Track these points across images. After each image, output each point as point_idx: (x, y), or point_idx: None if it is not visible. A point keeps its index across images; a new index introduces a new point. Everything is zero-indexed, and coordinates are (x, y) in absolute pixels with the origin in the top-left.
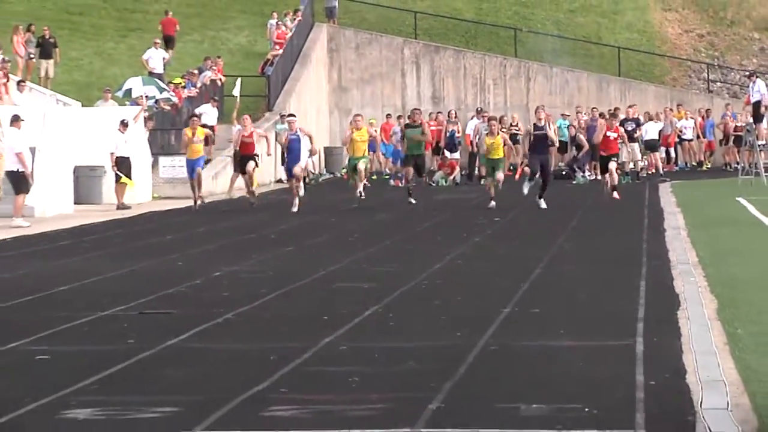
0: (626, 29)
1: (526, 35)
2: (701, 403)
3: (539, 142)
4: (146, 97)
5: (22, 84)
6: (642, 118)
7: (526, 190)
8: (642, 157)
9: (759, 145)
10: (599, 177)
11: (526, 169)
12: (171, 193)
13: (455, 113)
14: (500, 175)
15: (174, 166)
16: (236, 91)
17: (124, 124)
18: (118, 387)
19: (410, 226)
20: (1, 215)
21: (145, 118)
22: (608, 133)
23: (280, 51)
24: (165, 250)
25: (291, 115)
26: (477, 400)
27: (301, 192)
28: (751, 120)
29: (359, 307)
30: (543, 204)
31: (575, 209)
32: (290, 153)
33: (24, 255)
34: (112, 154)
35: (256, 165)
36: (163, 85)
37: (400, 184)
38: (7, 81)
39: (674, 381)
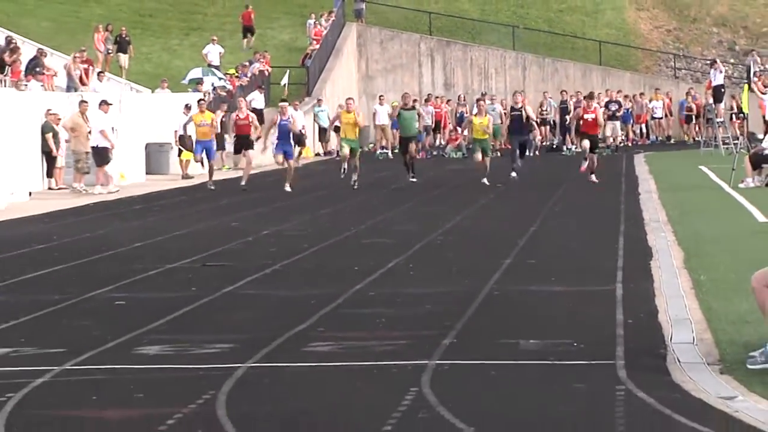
0: (606, 26)
1: (522, 31)
2: (671, 338)
3: (516, 123)
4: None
5: (102, 74)
6: (621, 100)
7: (515, 174)
8: (621, 132)
9: (717, 122)
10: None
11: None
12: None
13: (464, 97)
14: (484, 158)
15: (231, 142)
16: (284, 81)
17: (187, 107)
18: (184, 327)
19: (425, 192)
20: (88, 184)
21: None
22: (585, 116)
23: (317, 46)
24: (221, 213)
25: (283, 100)
26: (483, 336)
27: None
28: (711, 101)
29: (384, 259)
30: (514, 174)
31: (564, 177)
32: (281, 135)
33: (104, 217)
34: (175, 132)
35: (251, 147)
36: (220, 75)
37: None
38: (88, 70)
39: (648, 320)
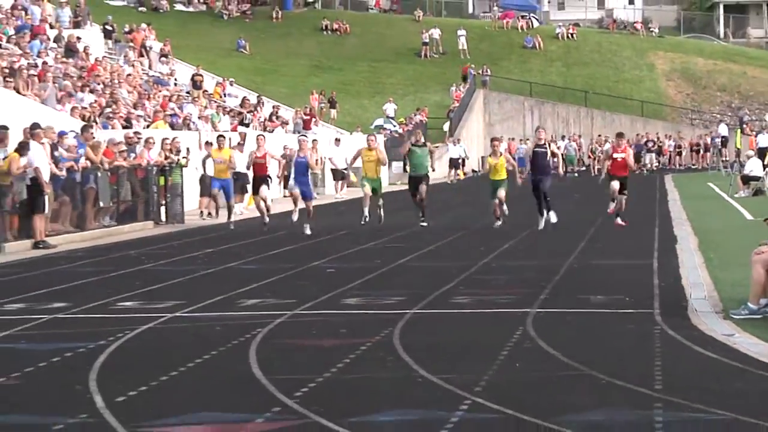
0: (646, 91)
1: (591, 95)
2: (690, 296)
3: (541, 159)
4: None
5: (315, 122)
6: (655, 140)
7: (554, 218)
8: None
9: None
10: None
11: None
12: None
13: (552, 136)
14: (502, 193)
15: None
16: (445, 127)
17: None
18: (372, 286)
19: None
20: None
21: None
22: (615, 155)
23: (457, 104)
24: (395, 211)
25: (303, 134)
26: (567, 293)
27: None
28: (718, 141)
29: (501, 243)
30: (554, 217)
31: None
32: (297, 173)
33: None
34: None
35: (268, 187)
36: (394, 123)
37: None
38: (309, 120)
39: (675, 283)
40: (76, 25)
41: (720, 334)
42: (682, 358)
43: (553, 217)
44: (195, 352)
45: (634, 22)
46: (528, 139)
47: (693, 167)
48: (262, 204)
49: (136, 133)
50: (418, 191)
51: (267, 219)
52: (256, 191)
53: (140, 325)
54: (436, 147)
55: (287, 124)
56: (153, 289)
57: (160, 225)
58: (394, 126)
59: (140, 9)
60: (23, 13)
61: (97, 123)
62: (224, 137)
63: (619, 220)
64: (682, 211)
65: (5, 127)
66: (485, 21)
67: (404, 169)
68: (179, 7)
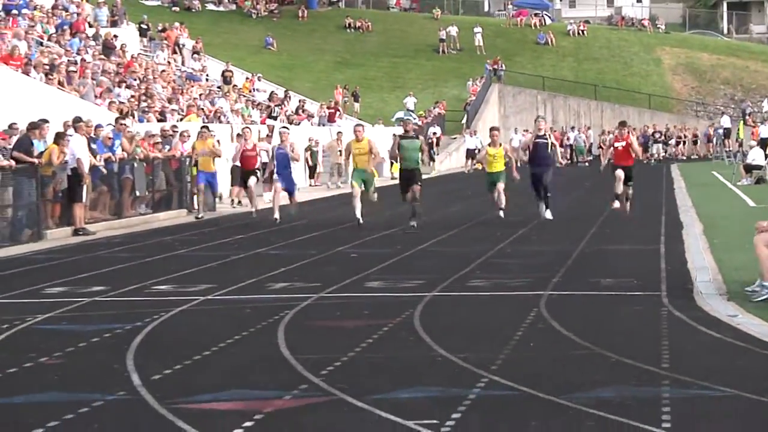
0: (653, 84)
1: (601, 88)
2: (696, 278)
3: (541, 150)
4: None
5: (339, 115)
6: (662, 131)
7: (549, 216)
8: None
9: (727, 151)
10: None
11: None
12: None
13: (563, 128)
14: (501, 186)
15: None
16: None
17: (394, 135)
18: (393, 270)
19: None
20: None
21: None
22: (616, 144)
23: (474, 97)
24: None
25: (284, 127)
26: (578, 276)
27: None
28: (720, 132)
29: (514, 231)
30: (549, 215)
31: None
32: (280, 167)
33: (339, 205)
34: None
35: (257, 179)
36: (414, 116)
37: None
38: (334, 113)
39: (681, 267)
40: (113, 23)
41: (724, 315)
42: (688, 337)
43: (548, 214)
44: (226, 333)
45: (642, 19)
46: (527, 130)
47: (693, 157)
48: (254, 195)
49: (172, 126)
50: (411, 190)
51: (254, 210)
52: (244, 184)
53: (174, 308)
54: (454, 138)
55: (313, 117)
56: (186, 273)
57: (193, 213)
58: (414, 118)
59: (174, 8)
60: (63, 12)
61: (133, 117)
62: (207, 128)
63: (616, 204)
64: (688, 198)
65: (46, 121)
66: (500, 18)
67: (391, 166)
68: (210, 6)
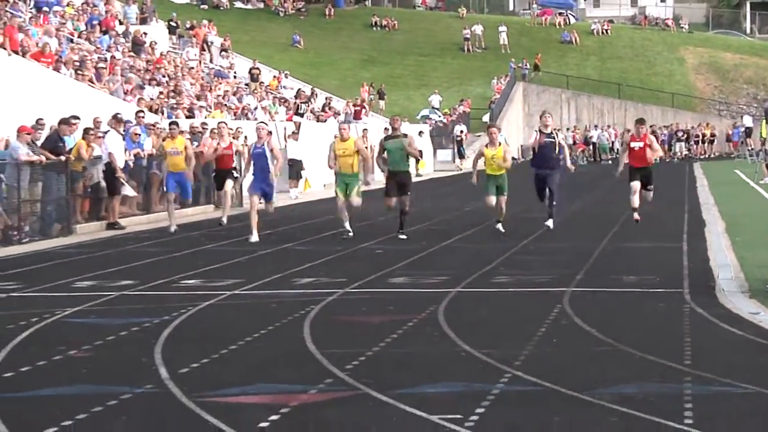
0: (676, 83)
1: (624, 87)
2: (718, 276)
3: (547, 150)
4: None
5: (365, 113)
6: (685, 129)
7: (550, 224)
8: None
9: (749, 149)
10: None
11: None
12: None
13: (587, 127)
14: (503, 199)
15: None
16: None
17: (419, 133)
18: (418, 266)
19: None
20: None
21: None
22: (632, 144)
23: (498, 95)
24: (439, 196)
25: (262, 122)
26: (600, 274)
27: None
28: (742, 131)
29: (538, 228)
30: (550, 223)
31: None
32: (257, 169)
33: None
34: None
35: (235, 181)
36: (439, 113)
37: None
38: (360, 110)
39: (703, 265)
40: (143, 21)
41: (746, 312)
42: (710, 334)
43: (550, 223)
44: (253, 328)
45: (665, 19)
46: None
47: (712, 156)
48: (229, 200)
49: (202, 123)
50: (400, 200)
51: (225, 218)
52: (220, 186)
53: (202, 302)
54: (478, 136)
55: (339, 114)
56: (213, 268)
57: (220, 208)
58: (439, 116)
59: (202, 6)
60: (93, 9)
61: (163, 113)
62: (177, 125)
63: (636, 216)
64: (710, 196)
65: (77, 117)
66: (525, 18)
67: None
68: (238, 4)
